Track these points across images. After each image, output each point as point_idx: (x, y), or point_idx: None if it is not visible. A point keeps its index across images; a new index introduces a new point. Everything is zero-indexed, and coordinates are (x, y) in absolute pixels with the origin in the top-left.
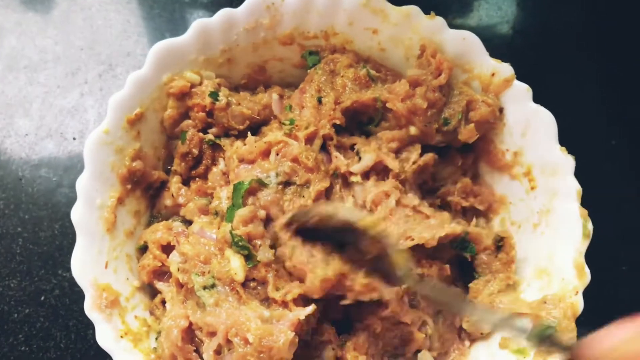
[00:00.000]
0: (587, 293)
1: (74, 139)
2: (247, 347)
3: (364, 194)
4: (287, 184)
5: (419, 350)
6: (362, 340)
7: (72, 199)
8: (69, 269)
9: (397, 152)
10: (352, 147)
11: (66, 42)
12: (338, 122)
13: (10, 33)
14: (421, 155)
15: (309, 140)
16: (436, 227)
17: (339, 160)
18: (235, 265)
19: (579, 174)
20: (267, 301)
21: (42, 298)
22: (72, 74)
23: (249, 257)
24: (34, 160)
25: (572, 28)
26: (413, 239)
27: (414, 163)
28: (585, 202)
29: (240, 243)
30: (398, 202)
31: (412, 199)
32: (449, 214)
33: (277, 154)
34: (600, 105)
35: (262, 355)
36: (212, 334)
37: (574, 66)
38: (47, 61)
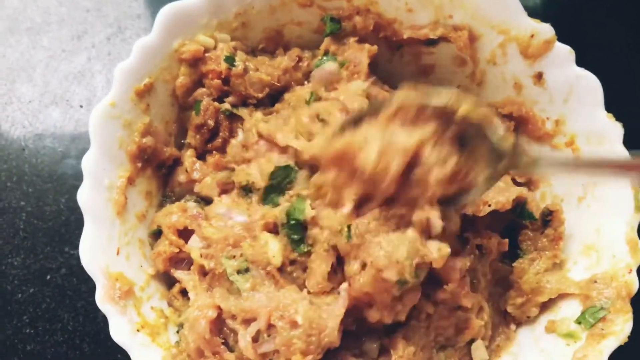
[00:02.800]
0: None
1: (81, 106)
2: (294, 330)
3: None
4: None
5: (471, 340)
6: (412, 328)
7: (79, 171)
8: (76, 246)
9: None
10: None
11: (71, 2)
12: None
13: None
14: None
15: None
16: (504, 189)
17: None
18: (274, 248)
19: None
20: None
21: (48, 277)
22: (78, 37)
23: (299, 242)
24: (38, 129)
25: None
26: (490, 205)
27: None
28: None
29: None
30: None
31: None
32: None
33: None
34: None
35: (311, 338)
36: (250, 320)
37: (611, 32)
38: (50, 23)
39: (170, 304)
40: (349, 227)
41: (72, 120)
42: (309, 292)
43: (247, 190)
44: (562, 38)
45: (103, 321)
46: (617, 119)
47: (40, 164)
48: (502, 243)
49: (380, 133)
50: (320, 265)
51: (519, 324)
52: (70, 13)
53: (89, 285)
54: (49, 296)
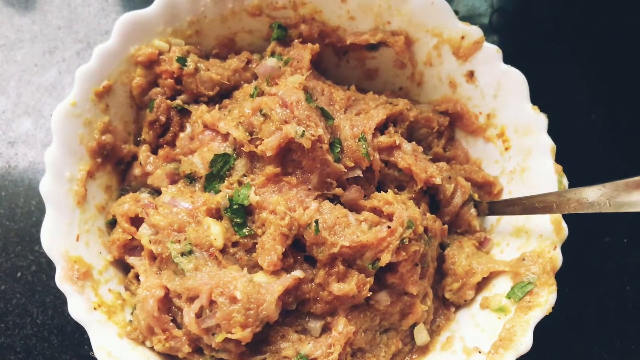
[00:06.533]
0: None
1: (52, 116)
2: (234, 305)
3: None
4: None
5: (414, 324)
6: (358, 310)
7: None
8: None
9: None
10: None
11: (43, 21)
12: None
13: None
14: None
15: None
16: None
17: None
18: (215, 231)
19: (561, 148)
20: (251, 267)
21: (19, 274)
22: (50, 52)
23: (242, 225)
24: (11, 137)
25: (552, 5)
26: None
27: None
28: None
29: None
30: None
31: (415, 145)
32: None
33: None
34: (581, 82)
35: (249, 311)
36: (193, 298)
37: (555, 45)
38: (23, 40)
39: (127, 288)
40: (316, 221)
41: (43, 129)
42: (260, 270)
43: (191, 179)
44: (505, 51)
45: (70, 315)
46: (550, 125)
47: (13, 169)
48: (444, 230)
49: None
50: (275, 246)
51: (458, 307)
52: (43, 30)
53: None
54: (19, 292)
